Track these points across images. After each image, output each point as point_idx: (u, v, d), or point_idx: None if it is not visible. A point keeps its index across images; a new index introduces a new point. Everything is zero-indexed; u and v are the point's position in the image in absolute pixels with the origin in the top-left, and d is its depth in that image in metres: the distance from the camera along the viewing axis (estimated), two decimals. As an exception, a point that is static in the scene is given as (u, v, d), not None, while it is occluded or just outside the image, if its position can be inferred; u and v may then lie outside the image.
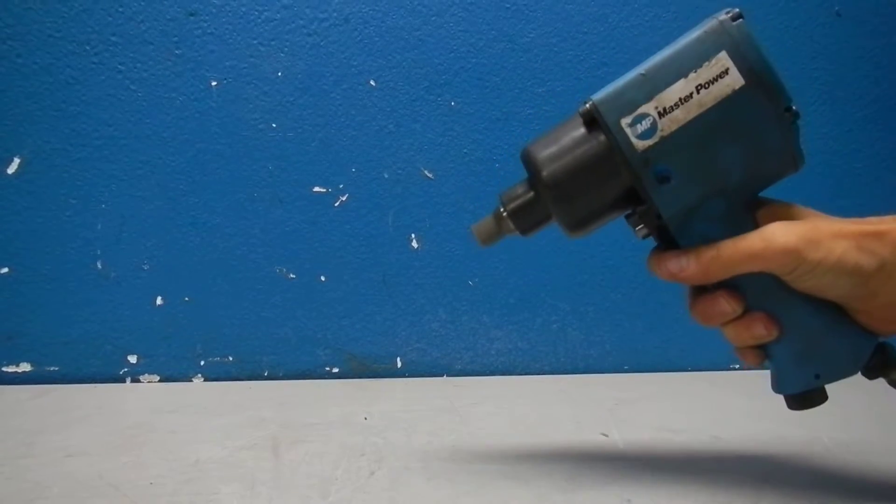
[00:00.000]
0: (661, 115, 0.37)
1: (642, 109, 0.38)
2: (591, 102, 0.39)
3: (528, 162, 0.41)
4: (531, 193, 0.42)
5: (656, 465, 0.50)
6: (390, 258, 0.75)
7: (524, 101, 0.75)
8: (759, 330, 0.40)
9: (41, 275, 0.71)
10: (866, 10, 0.77)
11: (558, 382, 0.74)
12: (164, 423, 0.59)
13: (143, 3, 0.69)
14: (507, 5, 0.73)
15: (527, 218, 0.42)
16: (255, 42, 0.71)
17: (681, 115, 0.37)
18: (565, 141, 0.40)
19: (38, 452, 0.52)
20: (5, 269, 0.70)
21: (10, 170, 0.69)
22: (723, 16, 0.38)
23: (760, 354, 0.42)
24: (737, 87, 0.37)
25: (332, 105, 0.73)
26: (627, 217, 0.41)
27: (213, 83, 0.71)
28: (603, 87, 0.39)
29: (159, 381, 0.73)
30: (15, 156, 0.69)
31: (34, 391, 0.68)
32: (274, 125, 0.72)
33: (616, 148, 0.38)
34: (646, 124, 0.38)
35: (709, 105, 0.37)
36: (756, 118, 0.37)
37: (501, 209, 0.43)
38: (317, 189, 0.73)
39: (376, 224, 0.74)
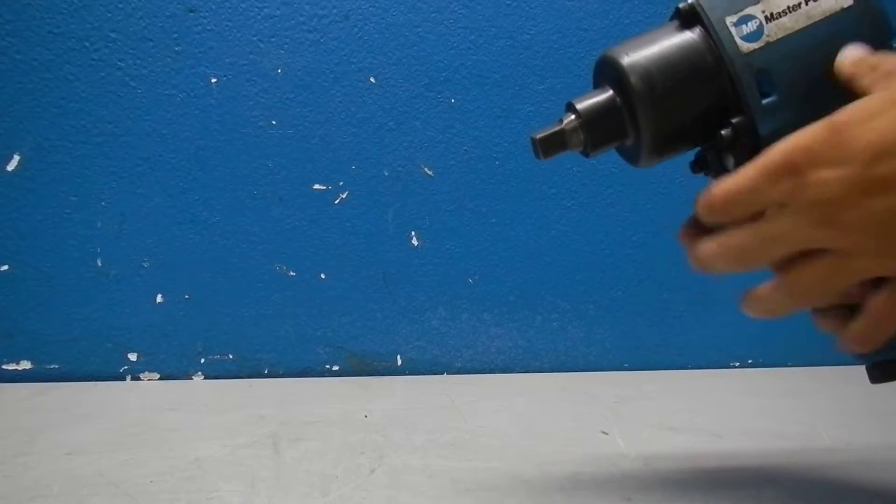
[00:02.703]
0: (768, 19, 0.36)
1: (749, 10, 0.36)
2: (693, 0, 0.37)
3: (612, 65, 0.37)
4: (618, 100, 0.38)
5: (656, 463, 0.50)
6: (390, 256, 0.75)
7: (524, 98, 0.74)
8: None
9: (41, 272, 0.71)
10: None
11: (558, 380, 0.74)
12: (165, 421, 0.59)
13: (142, 0, 0.69)
14: (507, 2, 0.73)
15: (604, 130, 0.38)
16: (254, 39, 0.71)
17: (789, 23, 0.36)
18: (661, 42, 0.37)
19: (38, 450, 0.52)
20: (5, 267, 0.70)
21: (10, 167, 0.69)
22: None
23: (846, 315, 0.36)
24: (845, 6, 0.36)
25: (332, 102, 0.72)
26: (714, 143, 0.37)
27: (213, 80, 0.71)
28: None
29: (159, 378, 0.73)
30: (14, 153, 0.69)
31: (34, 389, 0.68)
32: (274, 122, 0.72)
33: (719, 46, 0.36)
34: (752, 26, 0.36)
35: (817, 18, 0.36)
36: (861, 41, 0.36)
37: (573, 117, 0.39)
38: (317, 186, 0.73)
39: (376, 221, 0.74)
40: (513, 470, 0.49)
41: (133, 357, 0.73)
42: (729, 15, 0.36)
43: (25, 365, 0.71)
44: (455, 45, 0.73)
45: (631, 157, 0.40)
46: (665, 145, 0.38)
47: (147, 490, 0.45)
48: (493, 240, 0.75)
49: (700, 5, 0.36)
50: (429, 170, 0.74)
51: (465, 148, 0.75)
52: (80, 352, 0.72)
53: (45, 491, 0.45)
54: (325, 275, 0.74)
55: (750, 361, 0.80)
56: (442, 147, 0.74)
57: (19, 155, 0.69)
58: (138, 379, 0.73)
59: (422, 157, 0.74)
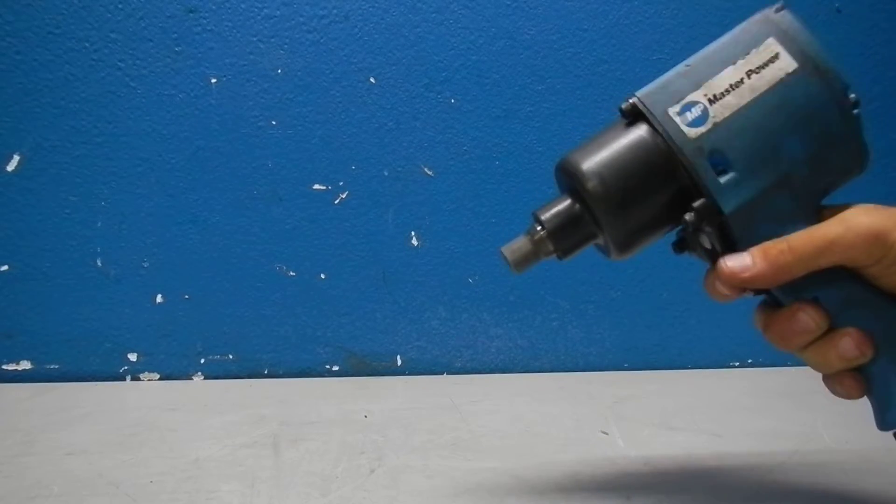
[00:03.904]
0: (711, 101, 0.35)
1: (690, 97, 0.35)
2: (633, 97, 0.37)
3: (570, 172, 0.37)
4: (577, 206, 0.38)
5: (656, 463, 0.50)
6: (390, 256, 0.75)
7: (524, 98, 0.74)
8: (849, 349, 0.34)
9: (41, 272, 0.71)
10: (867, 7, 0.77)
11: (558, 380, 0.74)
12: (164, 421, 0.59)
13: (142, 0, 0.69)
14: (507, 2, 0.73)
15: (570, 236, 0.39)
16: (254, 39, 0.71)
17: (733, 101, 0.35)
18: (610, 144, 0.37)
19: (38, 451, 0.52)
20: (5, 267, 0.70)
21: (10, 167, 0.69)
22: (766, 9, 0.37)
23: (859, 380, 0.36)
24: (790, 71, 0.35)
25: (332, 102, 0.72)
26: (684, 227, 0.37)
27: (213, 80, 0.71)
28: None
29: (159, 379, 0.73)
30: (15, 153, 0.69)
31: (34, 389, 0.68)
32: (273, 122, 0.72)
33: (667, 138, 0.35)
34: (696, 111, 0.35)
35: (763, 89, 0.35)
36: (814, 103, 0.35)
37: (538, 227, 0.39)
38: (316, 186, 0.73)
39: (376, 221, 0.74)
40: (513, 470, 0.49)
41: (133, 357, 0.73)
42: (671, 105, 0.35)
43: (25, 365, 0.71)
44: (455, 45, 0.73)
45: (605, 252, 0.40)
46: (634, 240, 0.37)
47: (147, 490, 0.45)
48: (493, 240, 0.75)
49: (641, 102, 0.36)
50: (429, 170, 0.74)
51: (464, 148, 0.75)
52: (79, 352, 0.72)
53: (44, 491, 0.45)
54: (325, 275, 0.74)
55: (750, 361, 0.80)
56: (442, 147, 0.74)
57: (19, 155, 0.69)
58: (138, 379, 0.73)
59: (422, 157, 0.74)
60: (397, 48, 0.73)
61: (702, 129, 0.35)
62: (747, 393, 0.68)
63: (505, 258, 0.40)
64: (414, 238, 0.75)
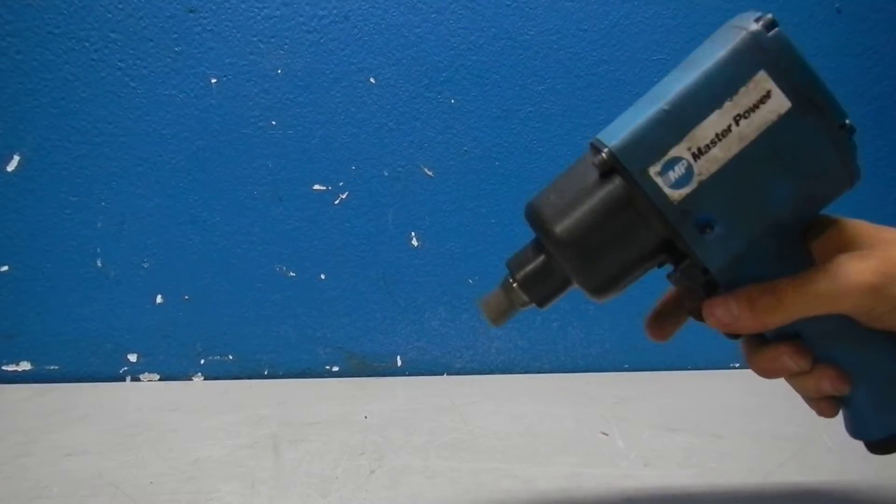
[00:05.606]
0: (695, 156, 0.31)
1: (673, 152, 0.31)
2: (606, 151, 0.32)
3: (535, 220, 0.35)
4: (542, 257, 0.36)
5: (656, 463, 0.50)
6: (390, 256, 0.75)
7: (524, 98, 0.74)
8: (827, 388, 0.35)
9: (41, 273, 0.71)
10: (867, 7, 0.77)
11: (558, 381, 0.74)
12: (164, 422, 0.59)
13: (142, 0, 0.69)
14: (507, 2, 0.73)
15: (542, 286, 0.37)
16: (254, 39, 0.71)
17: (720, 154, 0.31)
18: (580, 196, 0.33)
19: (37, 451, 0.52)
20: (5, 268, 0.70)
21: (10, 167, 0.69)
22: (753, 25, 0.31)
23: (834, 405, 0.37)
24: (783, 112, 0.31)
25: (332, 102, 0.72)
26: (668, 276, 0.36)
27: (213, 80, 0.71)
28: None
29: (159, 379, 0.73)
30: (14, 153, 0.69)
31: (34, 390, 0.68)
32: (273, 122, 0.72)
33: (646, 201, 0.32)
34: (679, 170, 0.31)
35: (752, 137, 0.31)
36: (808, 142, 0.32)
37: (510, 279, 0.37)
38: (317, 187, 0.73)
39: (376, 222, 0.74)
40: (513, 471, 0.49)
41: (133, 358, 0.73)
42: (652, 164, 0.31)
43: (25, 366, 0.71)
44: (455, 45, 0.73)
45: (585, 296, 0.38)
46: (610, 287, 0.35)
47: (147, 491, 0.45)
48: (493, 240, 0.75)
49: (618, 160, 0.32)
50: (429, 170, 0.74)
51: (464, 148, 0.74)
52: (79, 353, 0.72)
53: (44, 492, 0.45)
54: (325, 275, 0.74)
55: (750, 362, 0.80)
56: (442, 147, 0.74)
57: (19, 155, 0.69)
58: (138, 380, 0.73)
59: (422, 157, 0.74)
60: (397, 48, 0.73)
61: (686, 191, 0.32)
62: (748, 394, 0.68)
63: (481, 312, 0.39)
64: (414, 238, 0.75)
